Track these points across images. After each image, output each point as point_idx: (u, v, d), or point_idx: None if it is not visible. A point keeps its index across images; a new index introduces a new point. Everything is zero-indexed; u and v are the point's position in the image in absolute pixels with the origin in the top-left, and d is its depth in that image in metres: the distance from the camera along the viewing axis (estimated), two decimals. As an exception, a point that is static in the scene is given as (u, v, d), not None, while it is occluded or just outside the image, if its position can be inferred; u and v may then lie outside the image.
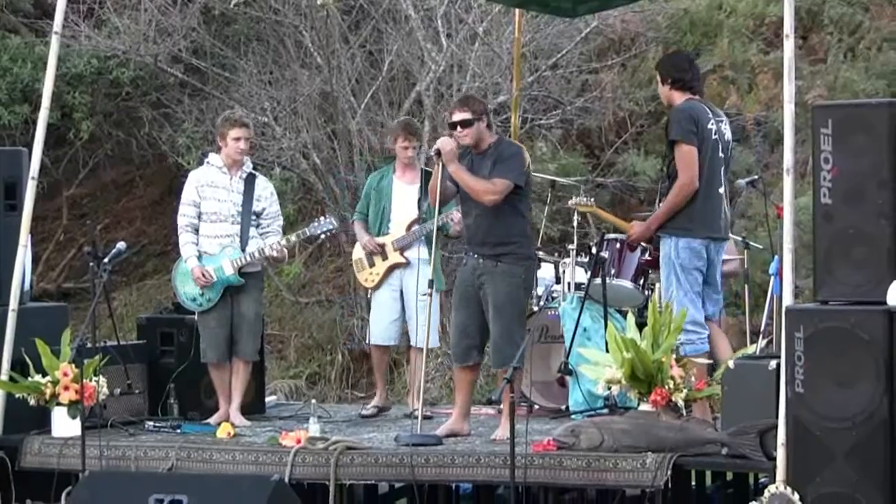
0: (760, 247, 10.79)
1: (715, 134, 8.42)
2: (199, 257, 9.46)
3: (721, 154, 8.46)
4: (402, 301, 9.90)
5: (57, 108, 14.63)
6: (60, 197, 16.83)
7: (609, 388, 8.08)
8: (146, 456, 8.59)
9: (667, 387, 7.80)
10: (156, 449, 8.62)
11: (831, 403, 6.84)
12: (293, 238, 9.78)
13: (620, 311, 9.43)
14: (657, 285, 9.57)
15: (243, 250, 9.46)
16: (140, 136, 16.02)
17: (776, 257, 9.57)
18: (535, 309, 9.82)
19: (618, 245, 9.51)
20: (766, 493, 7.04)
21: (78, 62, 15.30)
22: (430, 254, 9.26)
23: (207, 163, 9.67)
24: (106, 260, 8.99)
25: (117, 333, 10.19)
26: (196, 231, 9.51)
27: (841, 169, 6.96)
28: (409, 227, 9.87)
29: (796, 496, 6.91)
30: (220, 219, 9.48)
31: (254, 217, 9.54)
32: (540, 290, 9.90)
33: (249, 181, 9.58)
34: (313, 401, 9.48)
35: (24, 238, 8.98)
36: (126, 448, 8.67)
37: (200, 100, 15.28)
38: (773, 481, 7.08)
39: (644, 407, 7.91)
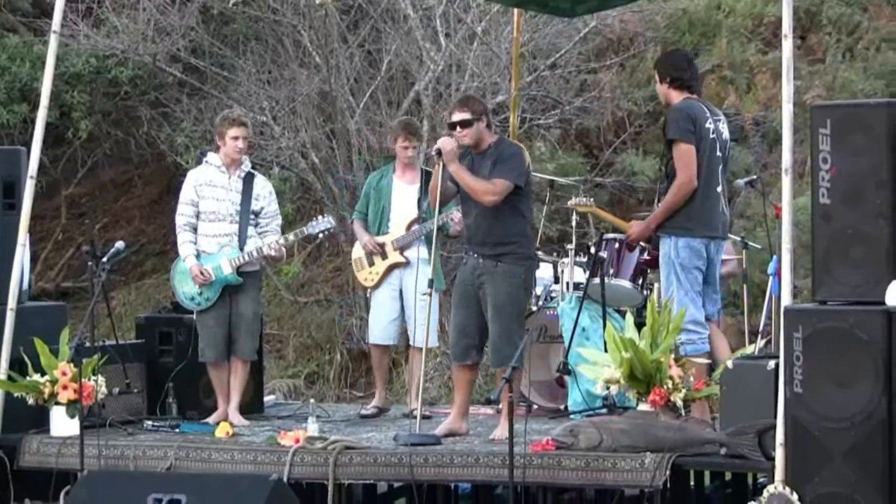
0: (759, 247, 10.79)
1: (713, 133, 8.42)
2: (198, 256, 9.46)
3: (719, 153, 8.46)
4: (402, 300, 9.89)
5: (55, 108, 14.62)
6: (59, 196, 16.84)
7: (608, 388, 8.08)
8: (145, 455, 8.59)
9: (665, 387, 7.80)
10: (154, 448, 8.62)
11: (830, 403, 6.84)
12: (291, 237, 9.79)
13: (619, 310, 9.43)
14: (656, 285, 9.58)
15: (242, 249, 9.46)
16: (138, 135, 16.02)
17: (775, 257, 9.57)
18: (534, 309, 9.82)
19: (616, 245, 9.51)
20: (765, 493, 7.04)
21: (76, 61, 15.30)
22: (429, 253, 9.27)
23: (206, 162, 9.67)
24: (104, 259, 8.99)
25: (116, 333, 10.19)
26: (194, 230, 9.51)
27: (839, 169, 6.96)
28: (408, 227, 9.87)
29: (795, 496, 6.91)
30: (218, 218, 9.48)
31: (252, 216, 9.54)
32: (538, 290, 9.90)
33: (248, 180, 9.58)
34: (312, 400, 9.47)
35: (23, 237, 8.97)
36: (125, 447, 8.67)
37: (199, 99, 15.28)
38: (772, 481, 7.07)
39: (643, 407, 7.91)
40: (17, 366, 8.87)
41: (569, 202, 9.80)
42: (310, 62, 14.80)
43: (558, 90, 14.75)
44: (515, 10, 10.99)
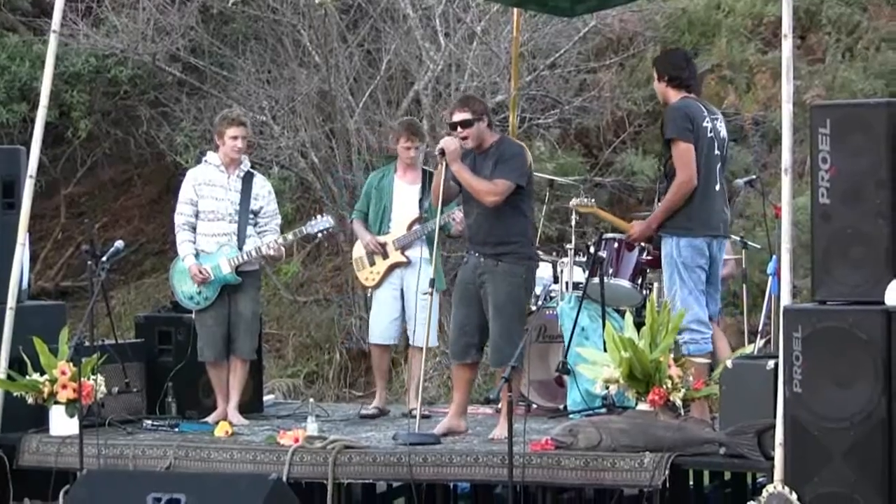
0: (758, 246, 10.79)
1: (711, 132, 8.42)
2: (197, 256, 9.46)
3: (717, 152, 8.46)
4: (403, 300, 9.89)
5: (55, 107, 14.62)
6: (58, 195, 16.83)
7: (607, 388, 8.08)
8: (144, 455, 8.59)
9: (665, 386, 7.80)
10: (154, 448, 8.62)
11: (829, 403, 6.83)
12: (290, 237, 9.78)
13: (618, 310, 9.44)
14: (655, 285, 9.59)
15: (240, 249, 9.46)
16: (138, 134, 16.02)
17: (774, 257, 9.57)
18: (534, 308, 9.82)
19: (616, 244, 9.51)
20: (764, 493, 7.03)
21: (76, 61, 15.30)
22: (431, 253, 9.27)
23: (205, 161, 9.67)
24: (104, 258, 8.99)
25: (115, 332, 10.19)
26: (193, 229, 9.51)
27: (839, 169, 6.96)
28: (409, 227, 9.87)
29: (794, 496, 6.91)
30: (217, 217, 9.48)
31: (251, 216, 9.54)
32: (538, 290, 9.90)
33: (247, 180, 9.58)
34: (311, 400, 9.47)
35: (22, 236, 8.97)
36: (124, 447, 8.67)
37: (198, 98, 15.28)
38: (771, 481, 7.07)
39: (642, 406, 7.91)
40: (17, 365, 8.87)
41: (570, 203, 9.80)
42: (309, 62, 14.80)
43: (558, 90, 14.75)
44: (515, 9, 10.99)
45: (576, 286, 9.80)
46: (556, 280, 10.18)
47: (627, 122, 14.86)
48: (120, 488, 7.61)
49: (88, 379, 8.75)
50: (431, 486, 8.37)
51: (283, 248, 9.68)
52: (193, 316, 9.57)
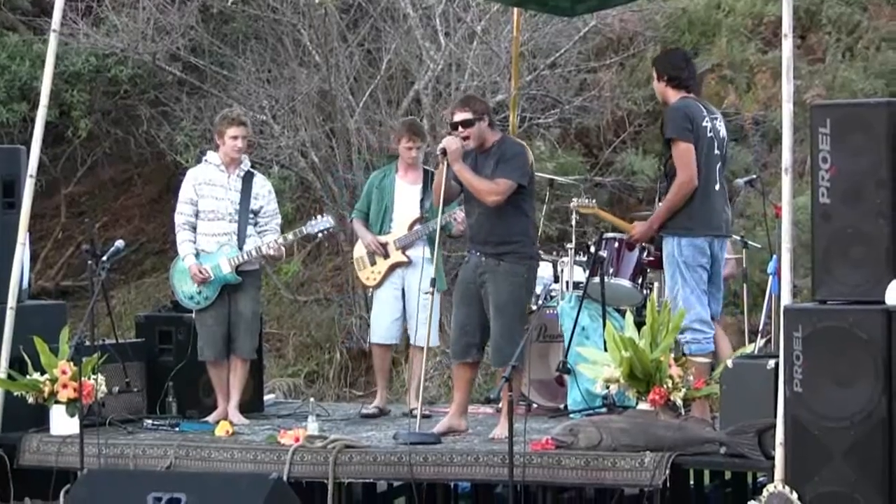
0: (759, 246, 10.79)
1: (710, 132, 8.42)
2: (197, 255, 9.46)
3: (717, 151, 8.46)
4: (404, 300, 9.89)
5: (55, 106, 14.62)
6: (59, 195, 16.84)
7: (607, 387, 8.09)
8: (144, 454, 8.59)
9: (665, 386, 7.80)
10: (154, 447, 8.62)
11: (830, 403, 6.84)
12: (290, 236, 9.78)
13: (619, 309, 9.44)
14: (655, 284, 9.59)
15: (241, 248, 9.46)
16: (138, 134, 16.02)
17: (774, 257, 9.57)
18: (534, 308, 9.82)
19: (616, 244, 9.51)
20: (765, 493, 7.04)
21: (76, 60, 15.30)
22: (432, 253, 9.27)
23: (205, 161, 9.67)
24: (104, 258, 8.98)
25: (116, 331, 10.20)
26: (193, 229, 9.51)
27: (839, 168, 6.96)
28: (410, 227, 9.86)
29: (795, 495, 6.91)
30: (217, 217, 9.48)
31: (251, 215, 9.54)
32: (538, 289, 9.90)
33: (247, 179, 9.58)
34: (312, 399, 9.48)
35: (23, 236, 8.97)
36: (124, 446, 8.67)
37: (199, 98, 15.28)
38: (772, 480, 7.07)
39: (642, 406, 7.91)
40: (17, 364, 8.87)
41: (571, 204, 9.79)
42: (309, 61, 14.81)
43: (558, 89, 14.75)
44: (515, 9, 11.00)
45: (576, 286, 9.80)
46: (556, 279, 10.18)
47: (627, 122, 14.86)
48: (120, 488, 7.62)
49: (89, 378, 8.75)
50: (432, 486, 8.37)
51: (283, 248, 9.67)
52: (194, 315, 9.57)
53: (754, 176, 10.85)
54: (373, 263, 9.94)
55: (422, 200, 9.87)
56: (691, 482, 8.30)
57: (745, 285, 10.42)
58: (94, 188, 17.42)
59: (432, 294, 8.83)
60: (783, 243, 7.28)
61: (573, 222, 10.07)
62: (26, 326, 8.89)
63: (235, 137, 9.47)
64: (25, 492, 8.84)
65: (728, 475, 8.61)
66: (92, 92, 15.75)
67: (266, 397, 10.55)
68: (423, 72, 14.43)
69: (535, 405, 9.77)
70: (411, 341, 10.00)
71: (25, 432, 8.91)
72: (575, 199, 9.80)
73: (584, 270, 9.70)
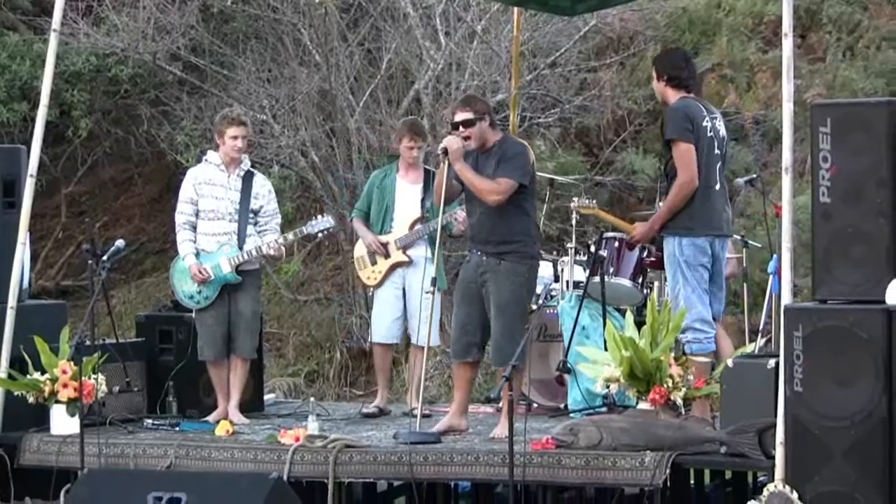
0: (759, 245, 10.79)
1: (710, 131, 8.42)
2: (197, 255, 9.46)
3: (717, 151, 8.45)
4: (405, 299, 9.88)
5: (55, 106, 14.63)
6: (59, 194, 16.84)
7: (608, 387, 8.08)
8: (145, 454, 8.59)
9: (665, 385, 7.80)
10: (154, 447, 8.62)
11: (830, 402, 6.84)
12: (290, 236, 9.78)
13: (619, 309, 9.44)
14: (655, 284, 9.59)
15: (241, 248, 9.45)
16: (139, 133, 16.02)
17: (775, 256, 9.57)
18: (534, 307, 9.82)
19: (616, 243, 9.51)
20: (765, 492, 7.03)
21: (76, 60, 15.31)
22: (433, 252, 9.27)
23: (205, 160, 9.66)
24: (105, 258, 8.98)
25: (116, 331, 10.19)
26: (194, 229, 9.50)
27: (840, 168, 6.96)
28: (411, 226, 9.86)
29: (795, 495, 6.91)
30: (217, 216, 9.48)
31: (251, 215, 9.54)
32: (539, 289, 9.90)
33: (247, 179, 9.58)
34: (312, 399, 9.48)
35: (23, 236, 8.98)
36: (125, 446, 8.67)
37: (199, 97, 15.29)
38: (772, 480, 7.07)
39: (643, 405, 7.91)
40: (18, 364, 8.87)
41: (571, 204, 9.78)
42: (310, 61, 14.81)
43: (558, 89, 14.75)
44: (515, 8, 11.00)
45: (576, 285, 9.79)
46: (556, 279, 10.18)
47: (628, 121, 14.87)
48: (121, 487, 7.61)
49: (89, 378, 8.74)
50: (432, 485, 8.37)
51: (283, 248, 9.67)
52: (194, 315, 9.57)
53: (754, 175, 10.84)
54: (373, 263, 9.94)
55: (422, 200, 9.87)
56: (692, 482, 8.30)
57: (745, 285, 10.42)
58: (94, 188, 17.42)
59: (433, 293, 8.83)
60: (783, 243, 7.28)
61: (573, 222, 10.07)
62: (27, 326, 8.89)
63: (235, 137, 9.47)
64: (26, 491, 8.84)
65: (728, 475, 8.61)
66: (92, 91, 15.75)
67: (266, 397, 10.55)
68: (424, 71, 14.44)
69: (535, 405, 9.76)
70: (412, 341, 10.00)
71: (26, 432, 8.90)
72: (575, 200, 9.80)
73: (585, 270, 9.70)
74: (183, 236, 9.51)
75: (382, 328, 9.95)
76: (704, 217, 8.34)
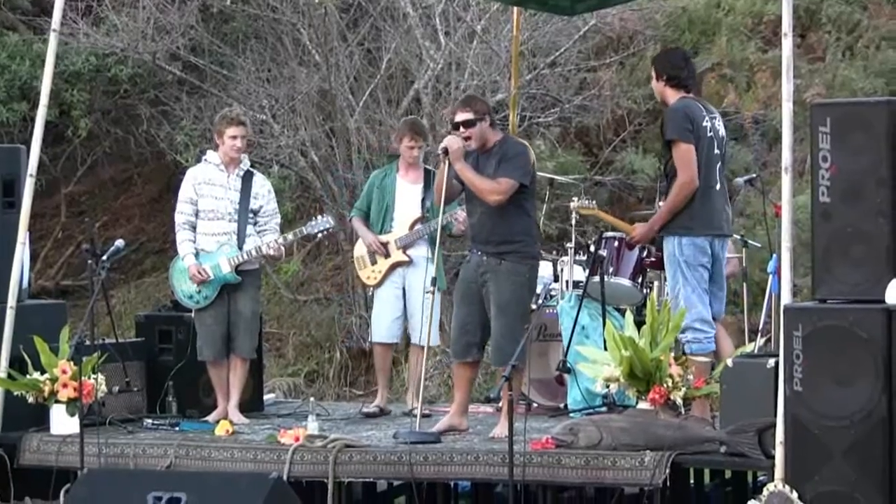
0: (759, 245, 10.79)
1: (710, 131, 8.42)
2: (197, 255, 9.46)
3: (717, 151, 8.45)
4: (405, 299, 9.88)
5: (55, 106, 14.63)
6: (59, 194, 16.84)
7: (607, 387, 8.08)
8: (145, 454, 8.59)
9: (665, 385, 7.80)
10: (154, 447, 8.62)
11: (830, 402, 6.84)
12: (290, 236, 9.78)
13: (619, 309, 9.44)
14: (655, 283, 9.59)
15: (240, 248, 9.45)
16: (138, 133, 16.02)
17: (774, 256, 9.57)
18: (534, 307, 9.81)
19: (616, 243, 9.51)
20: (765, 492, 7.03)
21: (76, 60, 15.31)
22: (433, 252, 9.26)
23: (205, 160, 9.66)
24: (104, 257, 8.98)
25: (116, 331, 10.20)
26: (193, 229, 9.50)
27: (839, 167, 6.96)
28: (411, 226, 9.86)
29: (795, 494, 6.91)
30: (217, 216, 9.48)
31: (251, 215, 9.54)
32: (538, 289, 9.90)
33: (247, 179, 9.58)
34: (312, 399, 9.48)
35: (23, 235, 8.98)
36: (124, 446, 8.67)
37: (199, 97, 15.28)
38: (772, 479, 7.07)
39: (642, 405, 7.91)
40: (17, 364, 8.87)
41: (571, 205, 9.78)
42: (309, 60, 14.81)
43: (558, 88, 14.75)
44: (515, 8, 11.00)
45: (576, 285, 9.79)
46: (556, 279, 10.18)
47: (627, 121, 14.87)
48: (120, 487, 7.61)
49: (89, 378, 8.74)
50: (432, 485, 8.37)
51: (283, 248, 9.66)
52: (193, 315, 9.57)
53: (754, 175, 10.84)
54: (373, 263, 9.94)
55: (423, 200, 9.87)
56: (691, 481, 8.30)
57: (745, 284, 10.42)
58: (94, 187, 17.42)
59: (433, 293, 8.83)
60: (783, 242, 7.28)
61: (573, 221, 10.07)
62: (26, 326, 8.89)
63: (235, 137, 9.47)
64: (26, 491, 8.84)
65: (728, 474, 8.61)
66: (92, 91, 15.75)
67: (266, 397, 10.55)
68: (423, 71, 14.44)
69: (535, 404, 9.76)
70: (412, 340, 10.00)
71: (25, 432, 8.91)
72: (575, 200, 9.79)
73: (584, 269, 9.70)
74: (182, 236, 9.51)
75: (382, 328, 9.95)
76: (705, 217, 8.33)
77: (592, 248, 9.52)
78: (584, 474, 7.72)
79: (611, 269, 9.47)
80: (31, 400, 8.86)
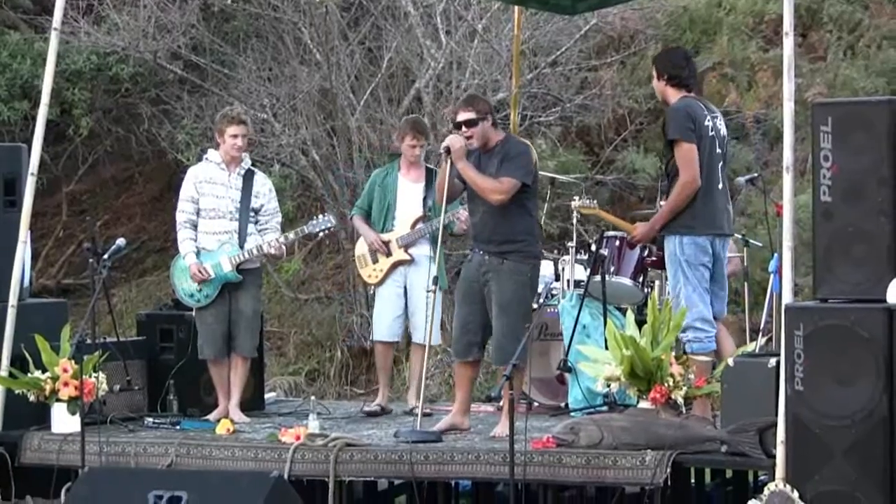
0: (760, 244, 10.79)
1: (712, 131, 8.42)
2: (198, 254, 9.46)
3: (719, 150, 8.45)
4: (406, 298, 9.88)
5: (56, 105, 14.64)
6: (60, 193, 16.85)
7: (608, 386, 8.08)
8: (146, 452, 8.59)
9: (666, 384, 7.80)
10: (155, 445, 8.62)
11: (831, 401, 6.84)
12: (291, 235, 9.77)
13: (620, 308, 9.43)
14: (656, 283, 9.58)
15: (242, 247, 9.45)
16: (139, 132, 16.03)
17: (776, 255, 9.57)
18: (535, 306, 9.81)
19: (617, 242, 9.51)
20: (766, 491, 7.04)
21: (77, 58, 15.31)
22: (434, 251, 9.26)
23: (206, 159, 9.66)
24: (105, 256, 8.99)
25: (117, 330, 10.19)
26: (194, 227, 9.50)
27: (840, 167, 6.96)
28: (413, 225, 9.86)
29: (796, 494, 6.91)
30: (218, 215, 9.48)
31: (252, 214, 9.54)
32: (539, 288, 9.90)
33: (248, 178, 9.58)
34: (312, 397, 9.49)
35: (24, 234, 8.98)
36: (125, 444, 8.67)
37: (200, 96, 15.29)
38: (773, 479, 7.08)
39: (643, 404, 7.91)
40: (19, 363, 8.87)
41: (572, 205, 9.78)
42: (310, 59, 14.81)
43: (559, 88, 14.75)
44: (516, 7, 11.00)
45: (577, 284, 9.79)
46: (557, 278, 10.17)
47: (629, 120, 14.87)
48: (121, 486, 7.62)
49: (90, 376, 8.75)
50: (433, 484, 8.37)
51: (284, 247, 9.66)
52: (194, 313, 9.58)
53: (755, 174, 10.84)
54: (375, 261, 9.93)
55: (424, 199, 9.87)
56: (692, 481, 8.30)
57: (746, 284, 10.43)
58: (95, 186, 17.43)
59: (434, 292, 8.82)
60: (784, 242, 7.28)
61: (574, 221, 10.07)
62: (27, 324, 8.90)
63: (235, 136, 9.46)
64: (27, 490, 8.84)
65: (729, 473, 8.61)
66: (93, 90, 15.76)
67: (267, 395, 10.55)
68: (424, 70, 14.44)
69: (536, 403, 9.76)
70: (413, 339, 10.00)
71: (27, 430, 8.91)
72: (576, 199, 9.79)
73: (585, 269, 9.70)
74: (184, 235, 9.51)
75: (383, 326, 9.94)
76: (707, 216, 8.33)
77: (594, 248, 9.52)
78: (585, 473, 7.72)
79: (612, 269, 9.47)
80: (32, 398, 8.86)
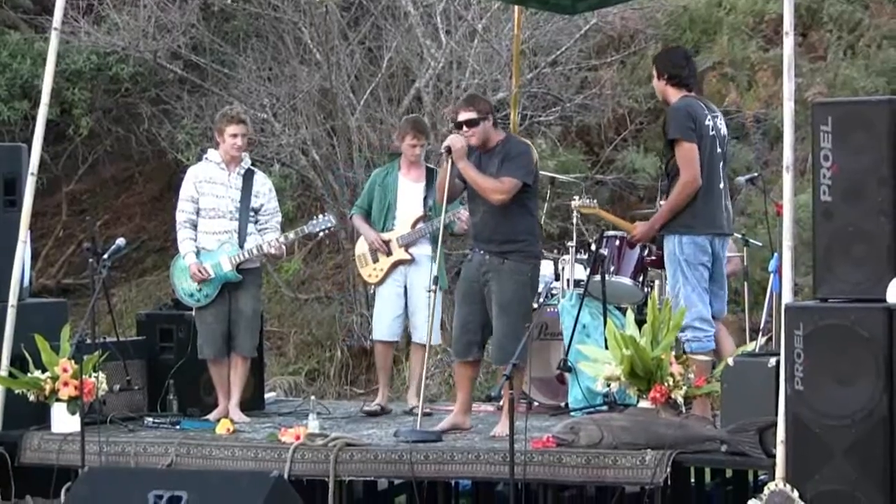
0: (760, 244, 10.79)
1: (712, 130, 8.42)
2: (198, 253, 9.46)
3: (719, 150, 8.46)
4: (406, 297, 9.88)
5: (56, 105, 14.64)
6: (60, 193, 16.85)
7: (608, 385, 8.08)
8: (145, 452, 8.59)
9: (666, 384, 7.80)
10: (155, 445, 8.62)
11: (831, 401, 6.84)
12: (291, 235, 9.77)
13: (620, 307, 9.44)
14: (656, 282, 9.58)
15: (241, 246, 9.45)
16: (139, 132, 16.03)
17: (776, 255, 9.57)
18: (535, 306, 9.81)
19: (617, 242, 9.51)
20: (766, 491, 7.04)
21: (77, 58, 15.31)
22: (435, 251, 9.26)
23: (206, 159, 9.66)
24: (105, 256, 8.99)
25: (117, 329, 10.19)
26: (194, 227, 9.50)
27: (841, 166, 6.96)
28: (413, 225, 9.86)
29: (796, 493, 6.91)
30: (218, 215, 9.48)
31: (252, 213, 9.54)
32: (539, 287, 9.89)
33: (248, 177, 9.57)
34: (312, 397, 9.48)
35: (24, 234, 8.98)
36: (125, 444, 8.67)
37: (200, 96, 15.29)
38: (773, 479, 7.08)
39: (643, 404, 7.91)
40: (19, 362, 8.87)
41: (572, 204, 9.78)
42: (310, 59, 14.81)
43: (559, 87, 14.75)
44: (516, 7, 11.00)
45: (577, 283, 9.79)
46: (557, 277, 10.17)
47: (629, 120, 14.87)
48: (121, 485, 7.62)
49: (90, 376, 8.75)
50: (433, 484, 8.37)
51: (284, 247, 9.66)
52: (194, 313, 9.57)
53: (755, 174, 10.84)
54: (375, 261, 9.93)
55: (425, 198, 9.87)
56: (692, 480, 8.30)
57: (746, 283, 10.43)
58: (95, 186, 17.43)
59: (434, 292, 8.82)
60: (784, 241, 7.28)
61: (574, 220, 10.07)
62: (27, 324, 8.90)
63: (235, 136, 9.46)
64: (27, 490, 8.84)
65: (729, 473, 8.61)
66: (93, 90, 15.76)
67: (267, 395, 10.55)
68: (424, 70, 14.44)
69: (536, 403, 9.76)
70: (413, 339, 10.00)
71: (26, 430, 8.91)
72: (576, 199, 9.79)
73: (585, 268, 9.70)
74: (183, 235, 9.51)
75: (384, 326, 9.94)
76: (707, 216, 8.33)
77: (593, 247, 9.52)
78: (585, 473, 7.72)
79: (612, 268, 9.47)
80: (32, 398, 8.87)
